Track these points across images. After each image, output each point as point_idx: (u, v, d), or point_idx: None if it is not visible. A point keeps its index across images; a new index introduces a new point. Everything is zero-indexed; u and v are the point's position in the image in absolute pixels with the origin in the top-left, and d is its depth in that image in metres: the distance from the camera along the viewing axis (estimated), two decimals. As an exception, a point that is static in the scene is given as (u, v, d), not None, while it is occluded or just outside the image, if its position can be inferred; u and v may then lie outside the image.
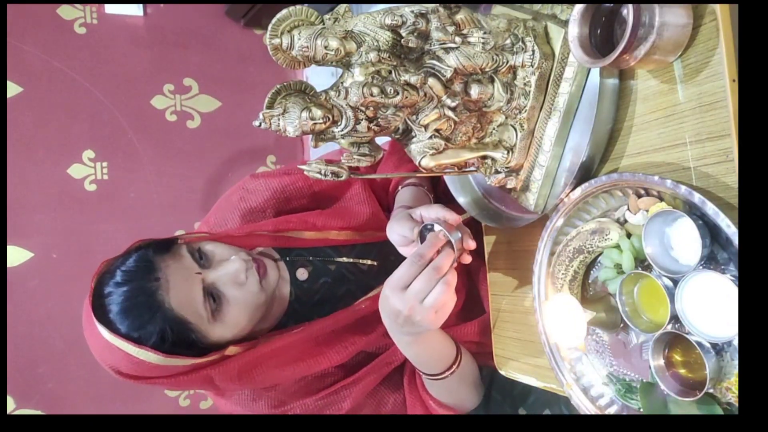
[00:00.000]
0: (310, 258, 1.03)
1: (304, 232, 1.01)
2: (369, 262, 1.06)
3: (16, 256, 2.03)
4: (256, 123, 0.65)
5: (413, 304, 0.73)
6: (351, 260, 1.04)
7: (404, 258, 0.79)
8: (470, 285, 1.09)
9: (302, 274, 1.02)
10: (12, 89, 2.05)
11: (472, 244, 0.79)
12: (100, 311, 0.81)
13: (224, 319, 0.87)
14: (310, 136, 0.67)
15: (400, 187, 1.11)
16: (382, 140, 0.99)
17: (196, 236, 0.96)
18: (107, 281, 0.83)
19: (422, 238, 0.81)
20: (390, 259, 1.05)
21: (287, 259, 1.02)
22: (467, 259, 0.79)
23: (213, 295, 0.87)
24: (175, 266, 0.84)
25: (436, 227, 0.79)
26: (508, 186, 0.81)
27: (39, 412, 2.04)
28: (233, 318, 0.88)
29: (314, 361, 0.95)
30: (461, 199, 0.93)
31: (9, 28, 2.03)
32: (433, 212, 0.82)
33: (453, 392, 0.97)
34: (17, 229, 2.03)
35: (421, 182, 1.11)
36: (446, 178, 0.96)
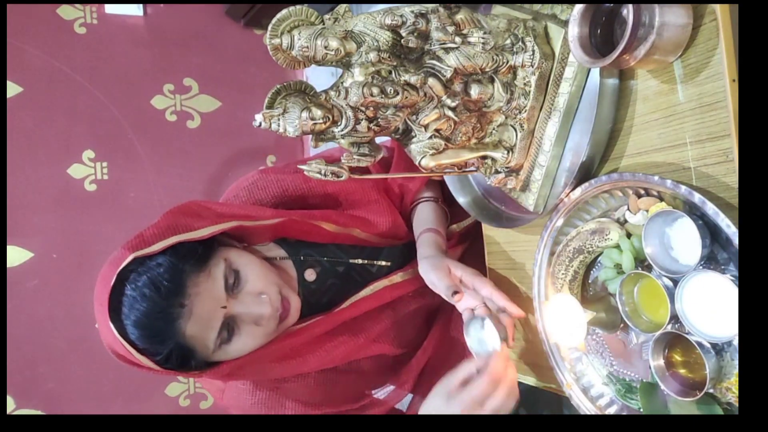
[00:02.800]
0: (320, 259, 1.01)
1: (330, 224, 0.99)
2: (381, 263, 1.05)
3: (16, 256, 2.03)
4: (256, 123, 0.65)
5: (474, 408, 0.77)
6: (360, 262, 1.03)
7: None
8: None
9: (310, 275, 1.01)
10: (12, 89, 2.05)
11: (517, 313, 0.84)
12: (116, 310, 0.80)
13: (229, 349, 0.87)
14: (310, 136, 0.67)
15: (415, 204, 1.10)
16: (382, 140, 0.99)
17: (229, 226, 0.91)
18: (132, 283, 0.80)
19: (468, 327, 0.84)
20: (399, 260, 1.05)
21: (301, 257, 1.01)
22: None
23: (229, 326, 0.86)
24: (205, 295, 0.82)
25: (487, 325, 0.82)
26: (508, 186, 0.81)
27: (39, 412, 2.04)
28: (238, 350, 0.88)
29: (303, 361, 0.95)
30: (461, 199, 0.93)
31: (9, 28, 2.03)
32: (483, 290, 0.85)
33: None
34: (17, 229, 2.03)
35: (435, 196, 1.10)
36: (446, 178, 0.96)
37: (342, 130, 0.67)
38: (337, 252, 1.03)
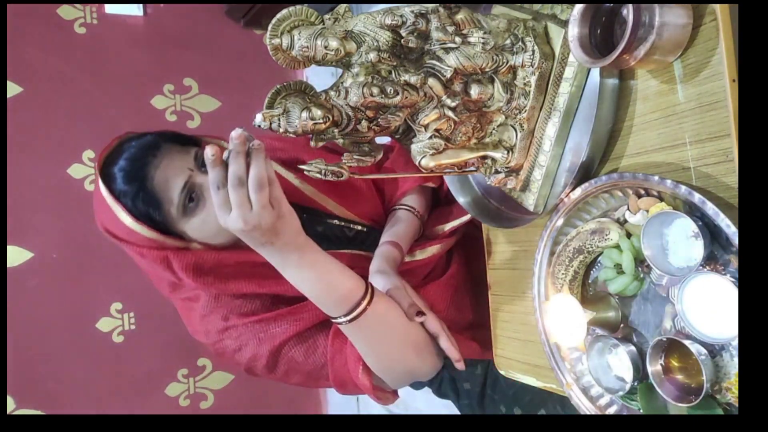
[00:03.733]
0: (304, 215, 1.04)
1: (308, 185, 1.04)
2: (358, 227, 1.08)
3: (16, 256, 2.03)
4: (256, 123, 0.65)
5: (246, 216, 0.74)
6: (337, 223, 1.06)
7: None
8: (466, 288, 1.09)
9: None
10: (12, 89, 2.05)
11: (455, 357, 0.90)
12: (108, 162, 0.93)
13: (193, 217, 0.92)
14: (311, 135, 0.67)
15: (399, 206, 1.11)
16: (383, 140, 0.99)
17: (218, 143, 1.00)
18: (124, 144, 0.94)
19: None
20: (376, 229, 1.08)
21: None
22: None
23: (193, 194, 0.91)
24: (176, 155, 0.92)
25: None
26: (508, 186, 0.82)
27: (39, 412, 2.04)
28: (201, 221, 0.92)
29: (266, 282, 0.97)
30: (461, 199, 0.93)
31: (9, 28, 2.03)
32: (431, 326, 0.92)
33: (375, 344, 0.91)
34: (17, 229, 2.03)
35: (417, 209, 1.12)
36: (446, 178, 0.96)
37: (342, 130, 0.67)
38: (316, 210, 1.06)
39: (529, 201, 0.81)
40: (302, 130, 0.64)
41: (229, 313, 1.00)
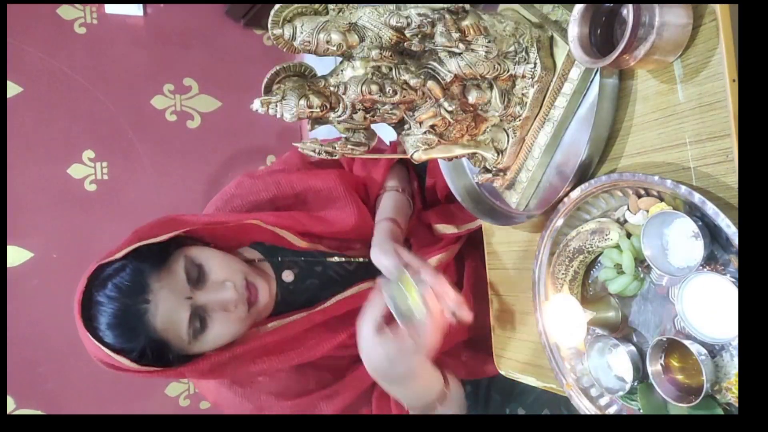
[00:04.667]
0: (297, 260, 1.03)
1: (297, 237, 1.02)
2: (360, 259, 1.06)
3: (16, 256, 2.03)
4: (254, 108, 0.64)
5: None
6: (337, 260, 1.04)
7: None
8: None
9: (288, 276, 1.02)
10: (12, 89, 2.05)
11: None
12: (88, 317, 0.84)
13: (206, 339, 0.89)
14: (307, 121, 0.67)
15: (382, 191, 1.11)
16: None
17: (193, 227, 0.95)
18: (99, 289, 0.84)
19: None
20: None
21: (278, 259, 1.02)
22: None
23: (200, 317, 0.88)
24: (168, 289, 0.85)
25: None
26: (495, 185, 0.83)
27: (39, 412, 2.04)
28: (214, 338, 0.90)
29: (284, 357, 0.96)
30: (454, 189, 0.93)
31: (9, 28, 2.03)
32: (428, 277, 0.85)
33: (416, 401, 0.93)
34: (17, 229, 2.03)
35: (398, 186, 1.11)
36: (442, 167, 0.95)
37: (339, 117, 0.67)
38: (313, 252, 1.04)
39: (513, 199, 0.82)
40: (299, 117, 0.64)
41: (261, 396, 0.98)
